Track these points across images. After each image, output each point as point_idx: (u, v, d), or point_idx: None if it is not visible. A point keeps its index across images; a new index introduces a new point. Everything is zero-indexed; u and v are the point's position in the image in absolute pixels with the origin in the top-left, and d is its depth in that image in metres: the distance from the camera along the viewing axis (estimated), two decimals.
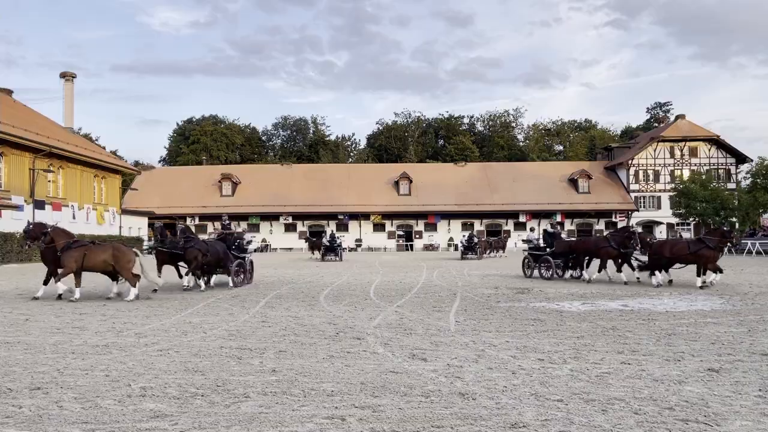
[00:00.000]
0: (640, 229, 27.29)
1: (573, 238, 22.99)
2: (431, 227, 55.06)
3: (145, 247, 38.36)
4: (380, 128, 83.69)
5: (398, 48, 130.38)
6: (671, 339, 7.26)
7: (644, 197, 55.42)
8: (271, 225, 54.83)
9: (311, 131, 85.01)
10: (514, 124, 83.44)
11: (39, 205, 34.00)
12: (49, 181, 35.86)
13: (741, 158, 54.86)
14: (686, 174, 52.27)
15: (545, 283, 15.71)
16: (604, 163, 59.93)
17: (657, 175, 55.62)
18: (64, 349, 6.68)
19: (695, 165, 54.69)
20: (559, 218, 51.87)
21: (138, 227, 47.43)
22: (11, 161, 32.51)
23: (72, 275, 11.95)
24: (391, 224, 55.46)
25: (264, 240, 53.37)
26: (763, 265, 24.53)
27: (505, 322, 8.77)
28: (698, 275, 14.38)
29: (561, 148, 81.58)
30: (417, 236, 55.19)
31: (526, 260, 18.81)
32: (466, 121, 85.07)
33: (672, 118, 63.83)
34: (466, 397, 4.67)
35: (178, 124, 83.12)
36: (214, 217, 49.42)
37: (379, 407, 4.40)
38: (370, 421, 4.09)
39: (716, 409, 4.33)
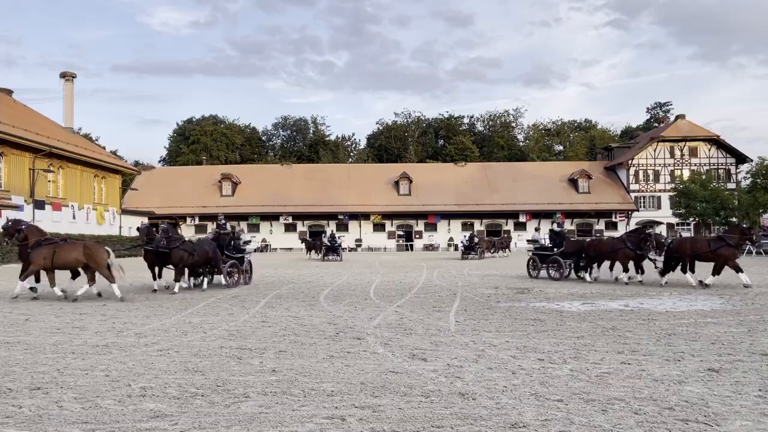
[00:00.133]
0: (658, 231, 27.02)
1: (583, 238, 22.62)
2: (431, 227, 55.05)
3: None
4: (380, 128, 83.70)
5: (398, 48, 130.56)
6: (671, 339, 7.26)
7: (644, 197, 55.41)
8: (271, 225, 54.83)
9: (311, 131, 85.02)
10: (514, 124, 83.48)
11: (39, 205, 33.97)
12: (49, 181, 35.85)
13: (741, 158, 54.86)
14: (686, 174, 52.29)
15: (545, 283, 15.68)
16: (604, 163, 59.94)
17: (657, 175, 55.62)
18: (64, 349, 6.69)
19: (695, 165, 54.69)
20: (559, 217, 51.85)
21: (138, 227, 47.34)
22: (11, 161, 32.52)
23: (45, 275, 11.90)
24: (391, 224, 55.45)
25: (264, 240, 53.38)
26: (763, 265, 24.53)
27: (505, 322, 8.77)
28: (713, 274, 14.12)
29: (561, 148, 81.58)
30: (417, 236, 55.19)
31: (531, 261, 18.13)
32: (466, 121, 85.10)
33: (672, 118, 63.84)
34: (466, 397, 4.67)
35: (178, 124, 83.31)
36: (214, 217, 49.30)
37: (379, 407, 4.40)
38: (370, 421, 4.09)
39: (716, 409, 4.33)
